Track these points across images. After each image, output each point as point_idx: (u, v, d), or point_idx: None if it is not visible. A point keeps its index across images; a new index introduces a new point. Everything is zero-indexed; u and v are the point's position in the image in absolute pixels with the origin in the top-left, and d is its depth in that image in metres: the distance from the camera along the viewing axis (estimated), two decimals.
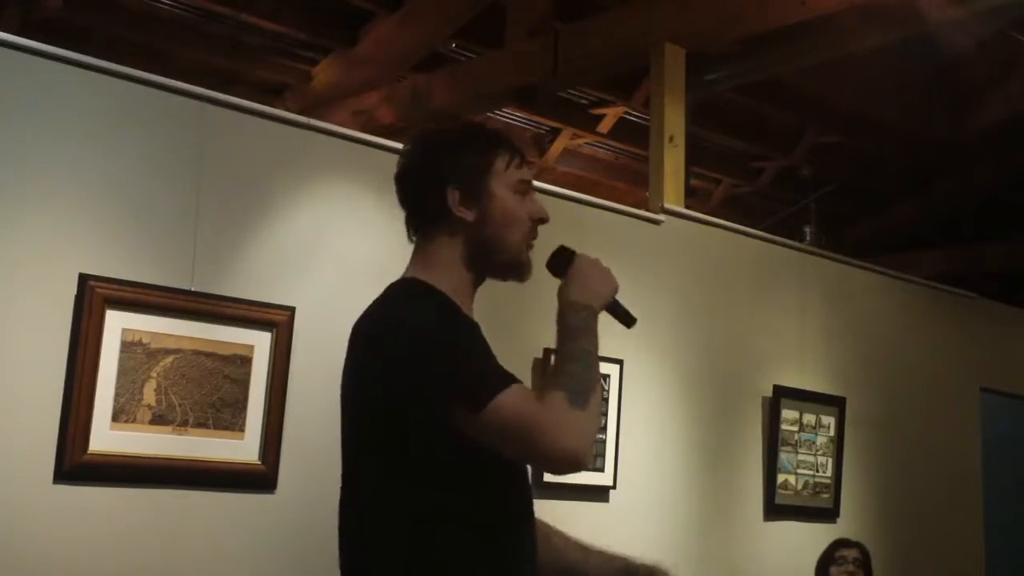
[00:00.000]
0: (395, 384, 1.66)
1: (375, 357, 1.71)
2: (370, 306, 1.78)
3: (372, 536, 1.71)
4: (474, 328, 1.76)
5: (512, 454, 1.67)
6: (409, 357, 1.66)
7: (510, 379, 1.65)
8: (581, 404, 1.63)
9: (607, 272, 1.83)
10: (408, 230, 1.86)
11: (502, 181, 1.81)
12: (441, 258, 1.81)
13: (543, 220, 1.86)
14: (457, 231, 1.80)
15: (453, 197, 1.79)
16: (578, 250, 1.86)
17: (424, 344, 1.66)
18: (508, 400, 1.61)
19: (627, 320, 1.88)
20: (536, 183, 3.95)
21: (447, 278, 1.79)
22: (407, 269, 1.84)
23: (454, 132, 1.91)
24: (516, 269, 1.84)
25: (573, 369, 1.67)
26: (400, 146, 3.46)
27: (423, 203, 1.82)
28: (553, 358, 1.78)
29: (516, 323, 3.19)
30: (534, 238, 1.86)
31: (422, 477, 1.68)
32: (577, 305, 1.76)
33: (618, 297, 1.86)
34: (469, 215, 1.80)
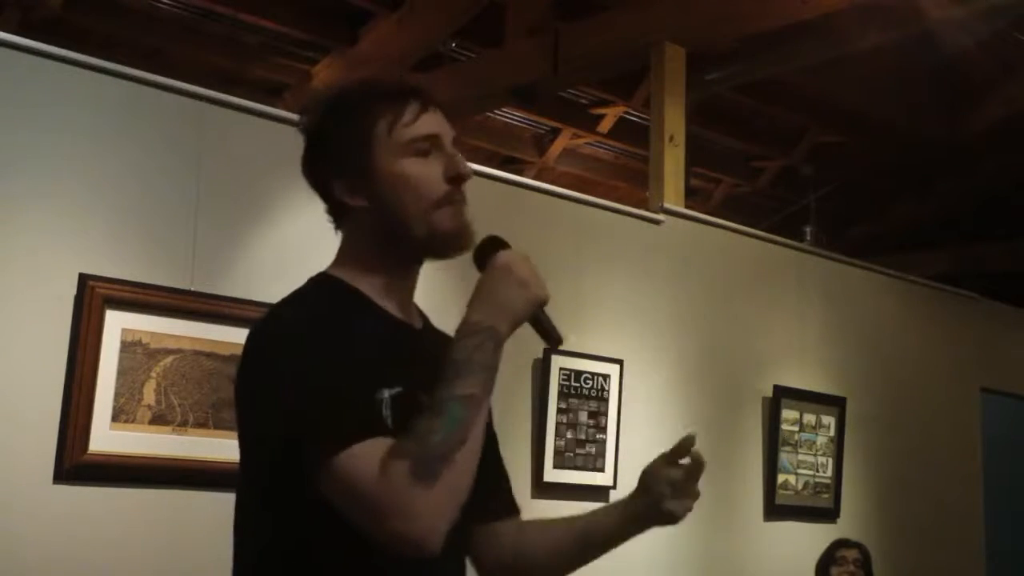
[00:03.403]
0: (252, 405, 1.47)
1: (242, 368, 1.49)
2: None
3: (240, 564, 1.56)
4: (373, 345, 1.43)
5: (352, 523, 1.33)
6: (264, 379, 1.42)
7: (366, 430, 1.32)
8: (429, 478, 1.28)
9: (528, 280, 1.42)
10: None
11: (389, 148, 1.47)
12: (356, 254, 1.52)
13: (460, 177, 1.48)
14: (359, 221, 1.51)
15: (339, 188, 1.49)
16: (511, 246, 1.47)
17: (282, 366, 1.39)
18: (351, 459, 1.29)
19: (551, 338, 1.49)
20: (536, 183, 3.97)
21: (367, 275, 1.50)
22: (331, 263, 1.58)
23: (326, 110, 1.53)
24: (440, 243, 1.48)
25: (430, 426, 1.30)
26: None
27: (320, 196, 1.55)
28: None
29: None
30: (456, 200, 1.49)
31: (285, 508, 1.44)
32: (473, 326, 1.37)
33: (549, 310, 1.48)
34: (361, 201, 1.49)
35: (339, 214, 1.53)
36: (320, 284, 1.53)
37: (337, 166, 1.49)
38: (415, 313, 1.57)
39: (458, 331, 1.39)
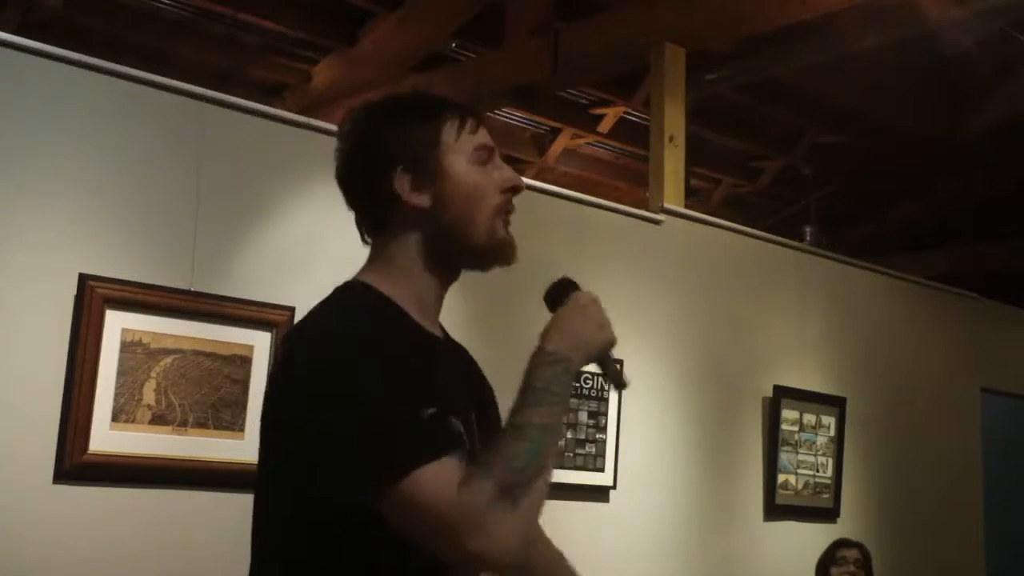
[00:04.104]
0: (301, 427, 1.37)
1: (286, 386, 1.43)
2: (309, 312, 1.49)
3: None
4: (416, 361, 1.41)
5: (419, 542, 1.34)
6: (318, 398, 1.35)
7: (438, 447, 1.32)
8: (511, 500, 1.30)
9: (603, 320, 1.48)
10: (360, 232, 1.55)
11: (456, 152, 1.50)
12: (399, 261, 1.50)
13: (516, 188, 1.54)
14: (413, 223, 1.50)
15: (402, 182, 1.48)
16: (582, 288, 1.55)
17: (338, 387, 1.34)
18: (425, 480, 1.29)
19: (618, 382, 1.58)
20: (536, 183, 3.97)
21: (407, 284, 1.49)
22: (361, 270, 1.54)
23: (388, 105, 1.56)
24: (494, 252, 1.52)
25: (515, 451, 1.33)
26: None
27: (369, 196, 1.52)
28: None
29: (516, 322, 3.19)
30: (510, 211, 1.54)
31: (317, 530, 1.39)
32: (553, 356, 1.41)
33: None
34: (424, 200, 1.48)
35: (388, 215, 1.51)
36: (357, 294, 1.50)
37: (402, 163, 1.49)
38: (438, 322, 1.57)
39: (536, 358, 1.42)
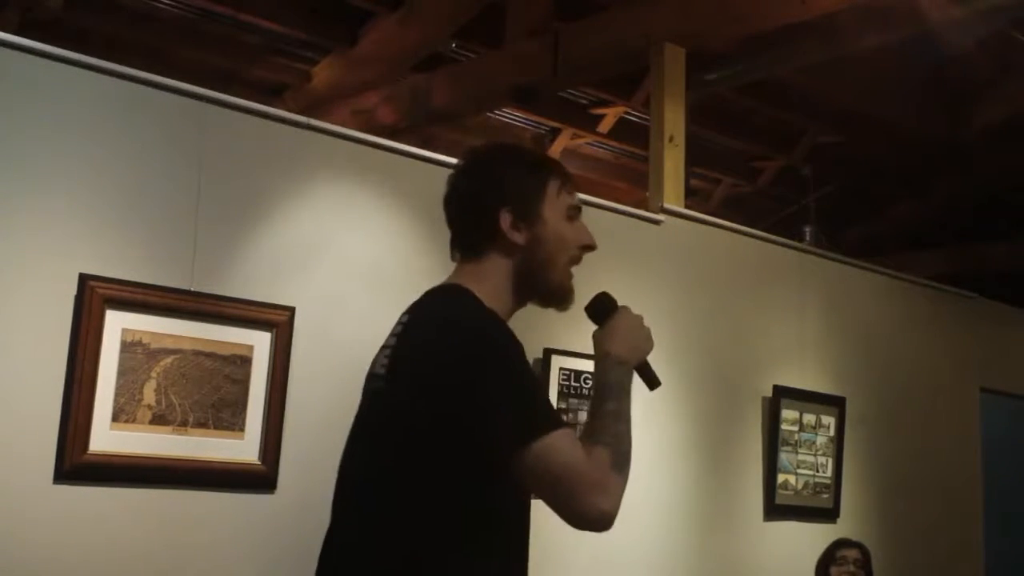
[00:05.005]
0: (457, 400, 1.63)
1: (439, 369, 1.66)
2: (429, 309, 1.76)
3: (394, 544, 1.65)
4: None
5: (543, 498, 1.63)
6: (477, 374, 1.63)
7: (562, 421, 1.64)
8: (621, 469, 1.65)
9: (648, 331, 1.84)
10: (453, 250, 1.85)
11: (554, 206, 1.82)
12: (492, 280, 1.80)
13: (589, 247, 1.86)
14: (507, 254, 1.80)
15: (505, 219, 1.78)
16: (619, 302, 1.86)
17: (493, 364, 1.64)
18: (558, 444, 1.60)
19: (652, 383, 1.88)
20: None
21: (496, 300, 1.77)
22: (458, 279, 1.81)
23: (507, 154, 1.89)
24: (561, 296, 1.84)
25: (618, 430, 1.69)
26: (400, 146, 3.46)
27: (474, 224, 1.81)
28: (588, 413, 1.82)
29: (516, 321, 3.18)
30: (576, 264, 1.86)
31: (459, 494, 1.65)
32: (619, 360, 1.78)
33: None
34: (520, 238, 1.79)
35: (486, 243, 1.80)
36: (473, 299, 1.74)
37: (511, 202, 1.79)
38: None
39: (606, 361, 1.79)
